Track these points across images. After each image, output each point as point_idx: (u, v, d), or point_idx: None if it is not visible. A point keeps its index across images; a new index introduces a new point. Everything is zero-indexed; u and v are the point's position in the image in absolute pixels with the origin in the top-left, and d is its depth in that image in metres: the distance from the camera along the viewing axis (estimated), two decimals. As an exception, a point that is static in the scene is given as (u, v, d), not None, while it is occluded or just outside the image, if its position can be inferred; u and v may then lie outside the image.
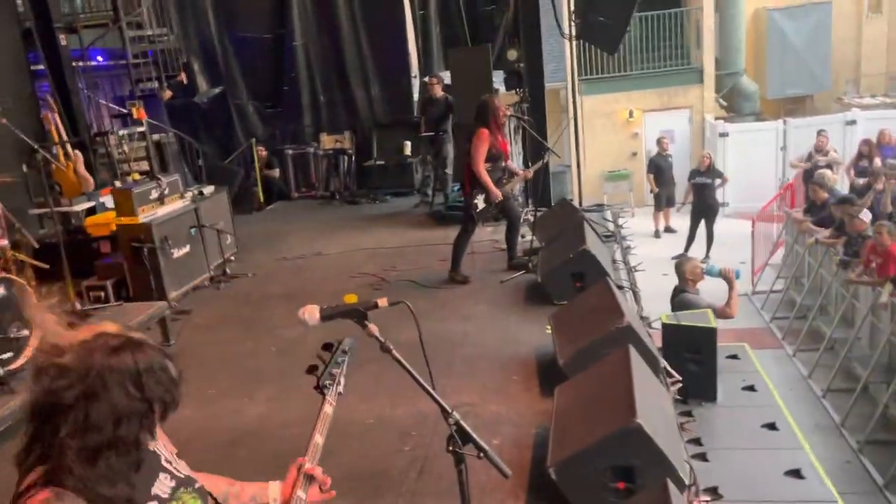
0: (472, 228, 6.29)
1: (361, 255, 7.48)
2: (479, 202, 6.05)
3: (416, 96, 10.94)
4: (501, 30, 10.08)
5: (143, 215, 6.17)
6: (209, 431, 4.16)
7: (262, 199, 10.50)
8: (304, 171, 11.10)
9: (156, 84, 10.00)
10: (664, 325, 5.07)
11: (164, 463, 1.54)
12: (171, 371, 1.41)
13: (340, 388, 1.87)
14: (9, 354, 4.40)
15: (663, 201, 13.75)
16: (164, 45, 10.23)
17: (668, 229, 14.00)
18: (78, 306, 5.40)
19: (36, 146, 5.64)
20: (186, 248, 6.58)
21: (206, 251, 6.92)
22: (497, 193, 6.00)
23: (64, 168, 7.73)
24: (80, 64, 9.42)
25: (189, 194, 6.91)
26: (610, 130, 16.54)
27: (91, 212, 7.83)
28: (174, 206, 6.58)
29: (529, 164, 7.61)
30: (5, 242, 4.81)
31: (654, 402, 3.25)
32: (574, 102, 8.94)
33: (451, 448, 1.74)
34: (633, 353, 3.46)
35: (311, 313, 1.61)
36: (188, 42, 10.91)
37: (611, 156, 16.35)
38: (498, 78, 9.47)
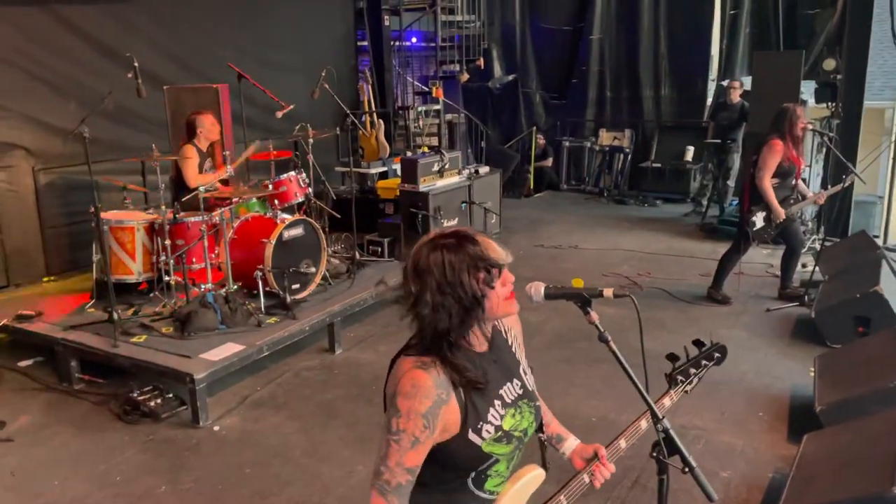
0: (745, 247, 5.81)
1: (618, 255, 7.34)
2: (758, 220, 5.55)
3: (709, 100, 10.34)
4: (822, 36, 9.07)
5: (423, 184, 6.74)
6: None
7: (532, 185, 10.80)
8: (577, 165, 11.13)
9: (457, 67, 10.77)
10: (965, 398, 4.24)
11: (521, 371, 1.73)
12: (498, 259, 1.58)
13: (689, 388, 1.87)
14: (297, 286, 5.14)
15: None
16: (470, 31, 10.95)
17: None
18: (357, 255, 6.08)
19: (348, 112, 6.41)
20: (455, 221, 7.06)
21: (472, 226, 7.34)
22: (780, 212, 5.45)
23: (368, 134, 8.74)
24: (397, 44, 10.49)
25: (466, 171, 7.36)
26: (944, 163, 13.97)
27: (383, 176, 8.76)
28: (451, 180, 7.09)
29: (828, 186, 6.79)
30: (310, 190, 5.59)
31: (926, 479, 2.75)
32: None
33: (654, 454, 1.67)
34: (911, 418, 2.96)
35: (537, 289, 1.65)
36: (492, 29, 11.54)
37: (939, 192, 13.82)
38: (808, 89, 8.55)
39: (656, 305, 5.87)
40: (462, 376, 1.53)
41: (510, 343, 1.72)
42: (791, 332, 5.27)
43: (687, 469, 1.58)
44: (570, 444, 1.90)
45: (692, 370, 1.84)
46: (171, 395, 4.22)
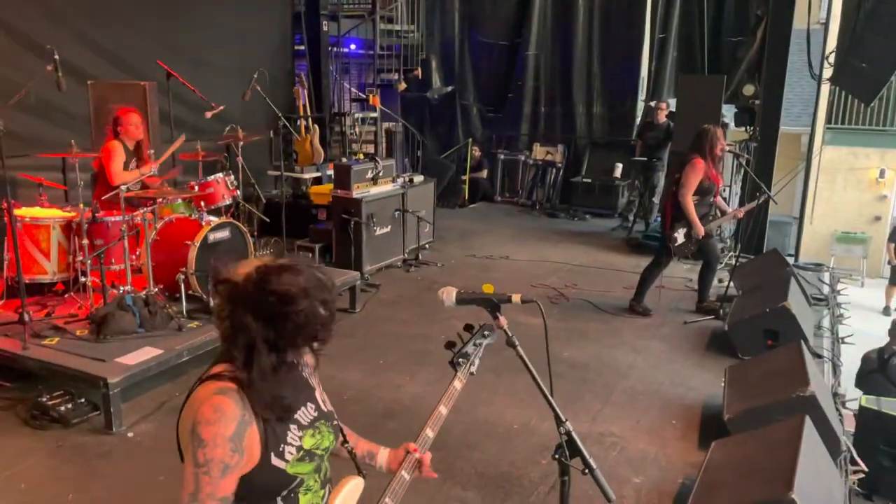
0: (666, 262, 6.03)
1: (547, 267, 7.49)
2: (679, 236, 5.77)
3: (638, 119, 10.70)
4: (744, 63, 9.52)
5: (357, 191, 6.72)
6: (370, 398, 4.46)
7: (466, 196, 10.92)
8: (512, 177, 11.32)
9: (395, 76, 10.80)
10: (861, 408, 4.53)
11: (315, 395, 1.74)
12: (329, 295, 1.57)
13: (473, 369, 1.94)
14: (222, 289, 5.04)
15: (901, 277, 12.10)
16: (409, 41, 11.01)
17: (902, 309, 12.29)
18: (286, 261, 6.00)
19: (280, 115, 6.34)
20: (388, 228, 7.06)
21: (405, 235, 7.36)
22: (700, 229, 5.67)
23: (302, 139, 8.66)
24: (335, 49, 10.45)
25: (400, 180, 7.38)
26: (853, 187, 14.86)
27: (317, 181, 8.69)
28: (385, 188, 7.09)
29: (745, 205, 7.13)
30: (239, 193, 5.50)
31: (820, 483, 2.92)
32: (810, 150, 8.18)
33: (556, 456, 1.72)
34: (809, 426, 3.13)
35: (449, 295, 1.69)
36: (431, 40, 11.63)
37: (848, 215, 14.69)
38: (728, 112, 8.96)
39: (581, 317, 6.02)
40: (270, 405, 1.55)
41: (301, 369, 1.72)
42: (706, 344, 5.49)
43: (587, 470, 1.64)
44: (383, 454, 1.95)
45: (469, 351, 1.95)
46: (82, 400, 4.06)
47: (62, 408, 3.99)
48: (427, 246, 7.84)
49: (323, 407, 1.74)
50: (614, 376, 4.85)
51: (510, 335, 1.66)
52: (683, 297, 6.52)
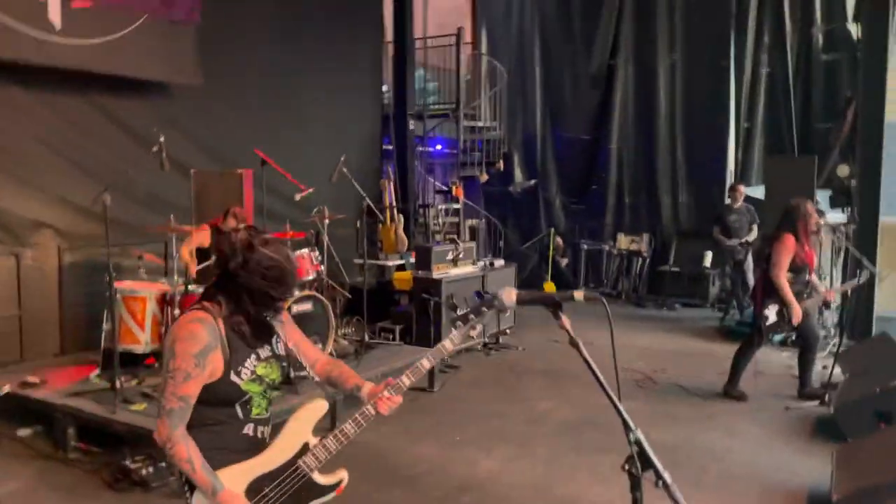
0: (759, 342, 5.68)
1: (632, 352, 7.20)
2: (771, 314, 5.45)
3: (727, 206, 10.45)
4: (836, 148, 9.23)
5: (437, 272, 6.79)
6: (444, 472, 4.32)
7: (550, 286, 10.79)
8: (596, 267, 11.16)
9: (477, 170, 11.11)
10: None
11: (273, 341, 2.20)
12: (290, 271, 2.13)
13: (473, 334, 2.09)
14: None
15: None
16: (491, 136, 11.37)
17: None
18: (367, 338, 6.06)
19: (364, 195, 6.54)
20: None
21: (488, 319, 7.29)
22: (798, 312, 5.31)
23: (387, 227, 8.94)
24: (421, 148, 10.90)
25: (481, 262, 7.42)
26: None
27: (401, 268, 8.86)
28: (465, 269, 7.15)
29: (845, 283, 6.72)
30: (322, 269, 5.67)
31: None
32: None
33: (627, 467, 1.59)
34: (931, 504, 2.77)
35: (509, 296, 1.66)
36: (513, 135, 11.98)
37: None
38: (823, 199, 8.61)
39: (670, 400, 5.70)
40: (247, 329, 2.09)
41: (270, 320, 2.19)
42: (810, 430, 5.04)
43: (660, 483, 1.49)
44: (366, 388, 2.24)
45: (471, 316, 2.05)
46: (163, 464, 4.12)
47: (143, 471, 4.06)
48: (508, 331, 7.75)
49: (276, 350, 2.21)
50: (708, 459, 4.50)
51: (573, 335, 1.59)
52: (784, 383, 6.07)
